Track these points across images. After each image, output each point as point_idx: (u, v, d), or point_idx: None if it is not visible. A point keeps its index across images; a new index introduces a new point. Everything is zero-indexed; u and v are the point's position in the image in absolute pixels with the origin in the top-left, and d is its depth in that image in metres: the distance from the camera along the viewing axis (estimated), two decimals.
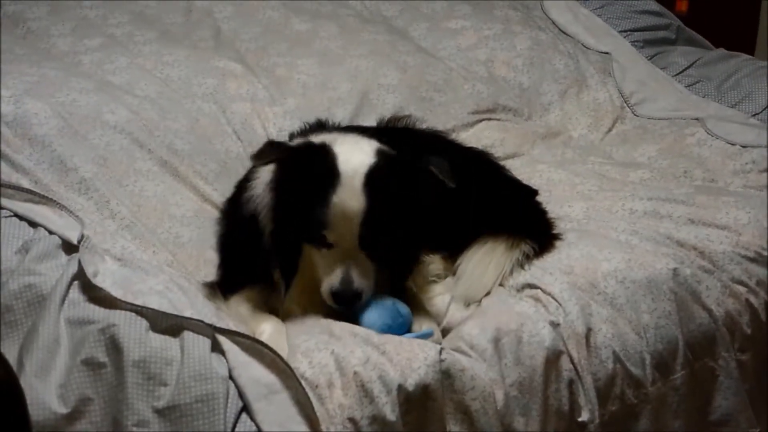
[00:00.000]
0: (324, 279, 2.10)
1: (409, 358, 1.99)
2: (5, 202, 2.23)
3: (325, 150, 2.11)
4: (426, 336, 2.12)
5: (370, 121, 2.87)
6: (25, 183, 2.31)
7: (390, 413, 1.92)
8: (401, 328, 2.13)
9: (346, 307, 2.09)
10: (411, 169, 2.12)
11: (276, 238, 2.15)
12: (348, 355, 1.97)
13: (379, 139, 2.37)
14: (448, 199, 2.24)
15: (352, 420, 1.90)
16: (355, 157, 2.10)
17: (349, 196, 2.05)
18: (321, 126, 2.53)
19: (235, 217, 2.33)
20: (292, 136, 2.57)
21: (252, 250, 2.21)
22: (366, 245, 2.08)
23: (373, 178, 2.07)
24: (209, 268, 2.36)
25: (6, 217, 2.20)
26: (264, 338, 1.99)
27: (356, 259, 2.08)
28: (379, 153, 2.13)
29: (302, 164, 2.10)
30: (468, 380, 2.03)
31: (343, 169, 2.07)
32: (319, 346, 2.00)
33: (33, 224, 2.17)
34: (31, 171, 2.36)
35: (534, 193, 2.61)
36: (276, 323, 2.12)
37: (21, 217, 2.19)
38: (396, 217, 2.09)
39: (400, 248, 2.15)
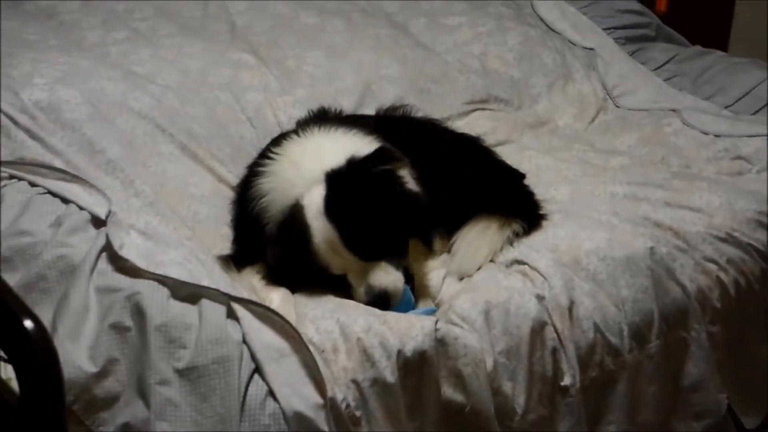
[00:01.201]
0: (354, 294, 2.13)
1: (408, 327, 2.01)
2: (40, 180, 2.25)
3: (298, 209, 2.14)
4: (430, 312, 2.14)
5: (372, 110, 2.87)
6: (58, 163, 2.33)
7: (390, 376, 1.94)
8: (407, 305, 2.15)
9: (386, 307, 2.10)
10: (363, 175, 2.15)
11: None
12: (352, 323, 1.98)
13: (375, 128, 2.39)
14: (442, 185, 2.27)
15: (355, 382, 1.91)
16: (315, 198, 2.12)
17: (322, 233, 2.09)
18: (323, 114, 2.54)
19: (244, 208, 2.35)
20: (298, 123, 2.58)
21: (259, 238, 2.23)
22: (367, 257, 2.11)
23: (331, 206, 2.10)
24: (225, 243, 2.38)
25: (40, 194, 2.22)
26: (273, 306, 2.01)
27: (368, 268, 2.11)
28: (331, 179, 2.14)
29: (288, 235, 2.15)
30: (461, 348, 2.04)
31: (309, 217, 2.11)
32: (326, 315, 2.02)
33: (65, 201, 2.19)
34: (63, 152, 2.38)
35: (522, 176, 2.61)
36: (284, 293, 2.14)
37: (54, 194, 2.21)
38: (371, 217, 2.11)
39: (395, 234, 2.16)
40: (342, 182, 2.14)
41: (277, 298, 2.11)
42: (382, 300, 2.09)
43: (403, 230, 2.18)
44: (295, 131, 2.41)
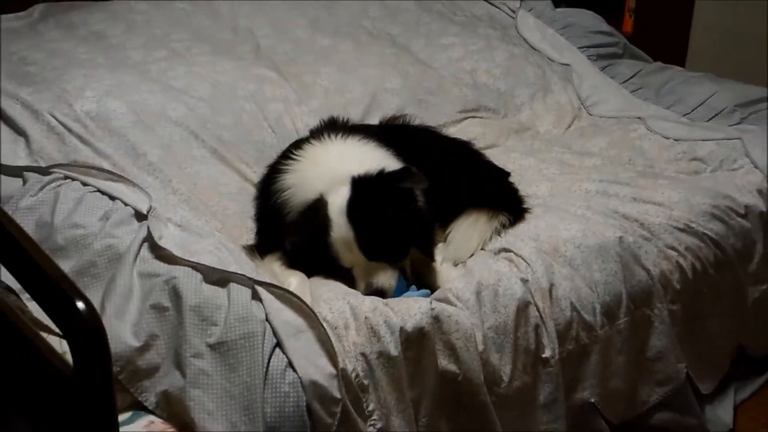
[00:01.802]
0: (357, 286, 2.10)
1: (408, 308, 2.00)
2: (91, 180, 2.24)
3: (321, 203, 2.11)
4: (423, 295, 2.11)
5: (377, 119, 2.86)
6: (106, 165, 2.31)
7: (393, 349, 1.92)
8: (400, 292, 2.12)
9: None
10: (388, 188, 2.11)
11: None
12: (360, 304, 1.97)
13: (380, 135, 2.37)
14: (438, 183, 2.24)
15: (363, 354, 1.90)
16: (339, 198, 2.10)
17: (341, 230, 2.07)
18: (333, 123, 2.51)
19: (267, 200, 2.31)
20: (311, 131, 2.56)
21: (279, 228, 2.20)
22: (372, 258, 2.09)
23: (354, 209, 2.08)
24: (250, 234, 2.36)
25: (91, 192, 2.21)
26: (291, 288, 1.99)
27: (371, 267, 2.09)
28: (357, 184, 2.11)
29: (309, 224, 2.12)
30: (453, 324, 2.03)
31: (332, 212, 2.08)
32: (338, 296, 2.00)
33: (112, 197, 2.18)
34: (111, 156, 2.37)
35: (507, 174, 2.59)
36: (301, 277, 2.12)
37: (103, 192, 2.20)
38: (385, 227, 2.09)
39: (400, 244, 2.14)
40: (367, 189, 2.11)
41: (294, 281, 2.09)
42: (377, 295, 2.07)
43: (409, 241, 2.16)
44: (314, 137, 2.37)
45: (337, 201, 2.10)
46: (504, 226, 2.37)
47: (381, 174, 2.13)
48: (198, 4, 3.32)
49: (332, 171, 2.17)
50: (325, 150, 2.28)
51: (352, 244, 2.08)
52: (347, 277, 2.11)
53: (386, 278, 2.10)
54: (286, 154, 2.37)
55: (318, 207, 2.12)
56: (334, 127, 2.42)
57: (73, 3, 3.19)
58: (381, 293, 2.07)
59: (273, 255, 2.20)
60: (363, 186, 2.12)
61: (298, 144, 2.40)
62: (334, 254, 2.10)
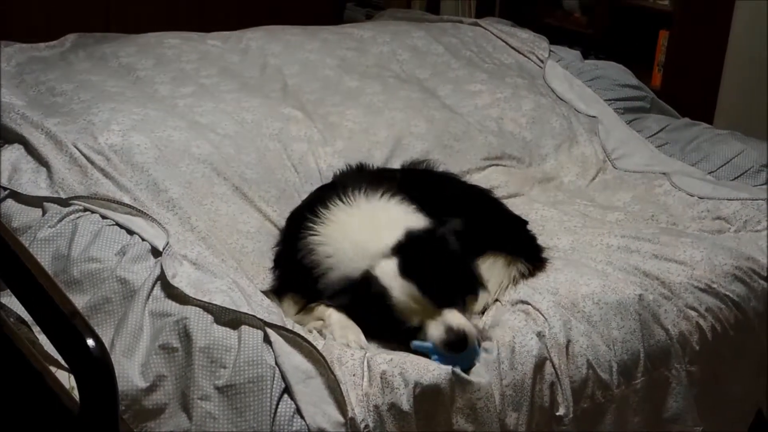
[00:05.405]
0: (431, 334, 2.00)
1: (426, 362, 1.95)
2: (110, 213, 2.23)
3: (369, 278, 2.05)
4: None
5: (401, 162, 2.84)
6: (126, 199, 2.30)
7: (405, 402, 1.87)
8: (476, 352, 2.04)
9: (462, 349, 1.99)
10: (432, 239, 2.11)
11: None
12: (377, 355, 1.94)
13: (402, 183, 2.34)
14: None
15: (375, 406, 1.86)
16: (387, 266, 2.05)
17: (400, 290, 2.01)
18: (359, 171, 2.49)
19: (294, 257, 2.21)
20: (335, 175, 2.53)
21: (307, 285, 2.14)
22: (441, 302, 2.02)
23: (406, 266, 2.03)
24: (266, 274, 2.34)
25: (109, 225, 2.20)
26: (331, 322, 2.00)
27: (443, 314, 2.01)
28: (397, 250, 2.08)
29: (363, 300, 2.05)
30: (475, 383, 1.97)
31: (383, 281, 2.03)
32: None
33: (130, 232, 2.17)
34: (131, 190, 2.36)
35: (525, 222, 2.55)
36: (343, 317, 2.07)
37: (121, 226, 2.19)
38: (440, 269, 2.06)
39: (457, 285, 2.10)
40: (408, 250, 2.07)
41: (335, 316, 2.05)
42: (460, 340, 1.97)
43: (461, 283, 2.13)
44: (341, 194, 2.27)
45: (386, 269, 2.04)
46: (523, 275, 2.33)
47: (412, 233, 2.12)
48: (228, 41, 3.33)
49: (369, 246, 2.10)
50: (355, 217, 2.21)
51: (417, 296, 2.01)
52: (413, 338, 2.02)
53: (465, 321, 2.01)
54: (314, 210, 2.26)
55: (366, 283, 2.05)
56: (359, 179, 2.36)
57: (106, 34, 3.21)
58: (464, 338, 1.98)
59: (293, 295, 2.15)
60: (403, 249, 2.08)
61: (324, 199, 2.29)
62: (399, 318, 2.02)
